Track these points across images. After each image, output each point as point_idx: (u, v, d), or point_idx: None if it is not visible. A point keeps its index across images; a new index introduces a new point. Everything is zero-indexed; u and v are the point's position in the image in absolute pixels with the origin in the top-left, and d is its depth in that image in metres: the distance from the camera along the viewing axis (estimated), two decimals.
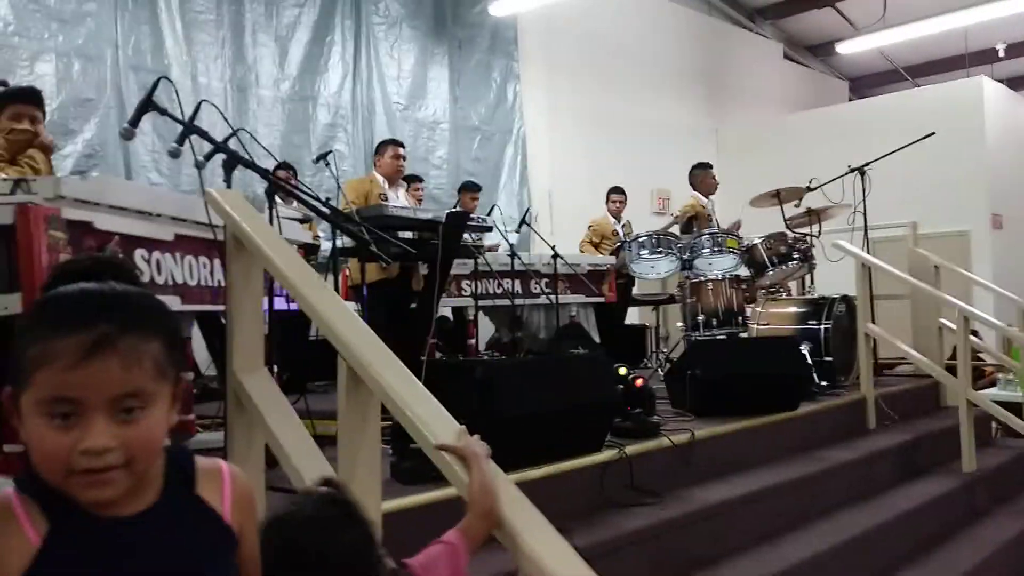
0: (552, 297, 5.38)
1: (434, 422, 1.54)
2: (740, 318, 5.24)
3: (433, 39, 7.75)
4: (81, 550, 0.85)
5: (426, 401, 1.61)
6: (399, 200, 5.23)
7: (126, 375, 0.84)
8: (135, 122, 2.57)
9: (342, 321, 1.75)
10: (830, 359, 4.77)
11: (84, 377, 0.82)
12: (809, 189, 5.54)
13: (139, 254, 2.46)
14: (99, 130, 5.52)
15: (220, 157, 2.55)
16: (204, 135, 2.59)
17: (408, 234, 4.18)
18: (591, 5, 8.74)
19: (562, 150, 8.76)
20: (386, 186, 5.16)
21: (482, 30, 8.15)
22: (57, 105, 5.29)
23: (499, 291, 5.27)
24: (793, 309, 5.17)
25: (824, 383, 4.63)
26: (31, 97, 3.21)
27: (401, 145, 5.33)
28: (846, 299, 5.00)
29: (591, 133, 9.05)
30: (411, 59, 7.58)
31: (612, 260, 6.20)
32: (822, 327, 4.84)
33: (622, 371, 3.48)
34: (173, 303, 2.59)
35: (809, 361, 4.63)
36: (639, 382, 3.46)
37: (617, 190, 7.03)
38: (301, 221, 3.65)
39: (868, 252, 5.02)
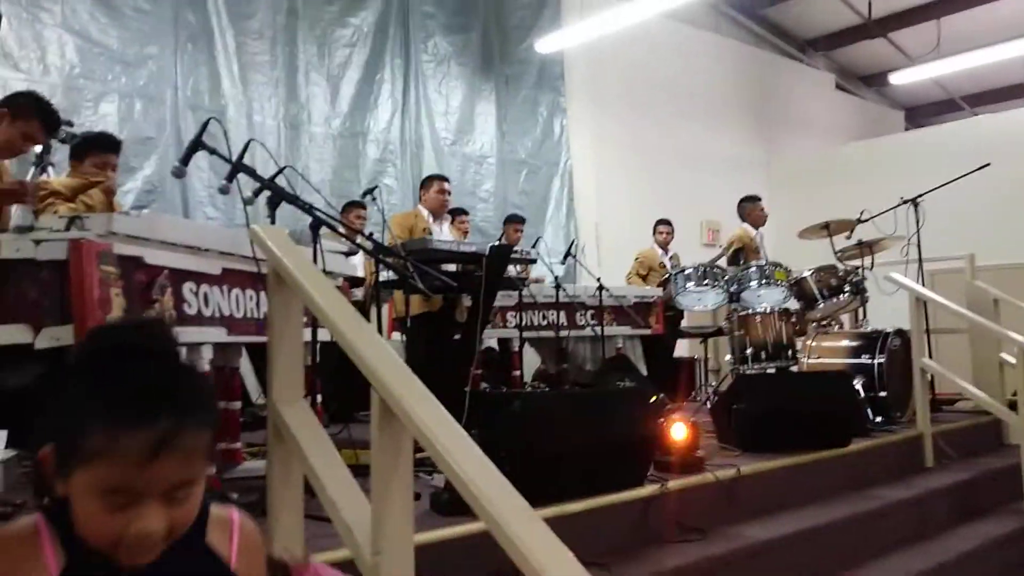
0: (598, 329, 5.35)
1: (462, 456, 1.54)
2: (790, 352, 5.14)
3: (481, 76, 7.88)
4: None
5: (457, 437, 1.61)
6: (443, 234, 5.30)
7: (185, 470, 0.90)
8: (186, 161, 2.68)
9: (375, 354, 1.77)
10: (884, 394, 4.63)
11: (147, 474, 0.87)
12: (860, 221, 5.44)
13: (187, 287, 2.54)
14: (158, 167, 5.73)
15: (267, 194, 2.63)
16: (251, 173, 2.68)
17: (451, 267, 4.22)
18: (637, 40, 8.79)
19: (609, 183, 8.78)
20: (431, 220, 5.23)
21: (529, 66, 8.26)
22: (117, 145, 5.51)
23: (544, 323, 5.27)
24: (845, 343, 5.05)
25: (878, 419, 4.49)
26: (115, 146, 3.38)
27: (446, 180, 5.42)
28: (901, 333, 4.86)
29: (639, 165, 9.05)
30: (459, 95, 7.71)
31: (659, 292, 6.15)
32: (876, 362, 4.72)
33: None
34: (220, 335, 2.66)
35: (862, 396, 4.51)
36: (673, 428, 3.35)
37: (664, 221, 7.00)
38: (346, 255, 3.72)
39: (923, 285, 4.89)
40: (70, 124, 4.20)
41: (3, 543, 0.90)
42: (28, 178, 4.10)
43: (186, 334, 2.51)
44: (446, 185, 5.36)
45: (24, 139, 2.99)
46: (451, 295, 4.43)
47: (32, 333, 2.10)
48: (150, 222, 2.46)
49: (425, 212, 5.28)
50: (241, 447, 3.14)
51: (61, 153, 4.15)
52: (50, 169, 4.07)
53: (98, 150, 3.35)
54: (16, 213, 2.84)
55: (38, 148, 4.07)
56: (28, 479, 3.30)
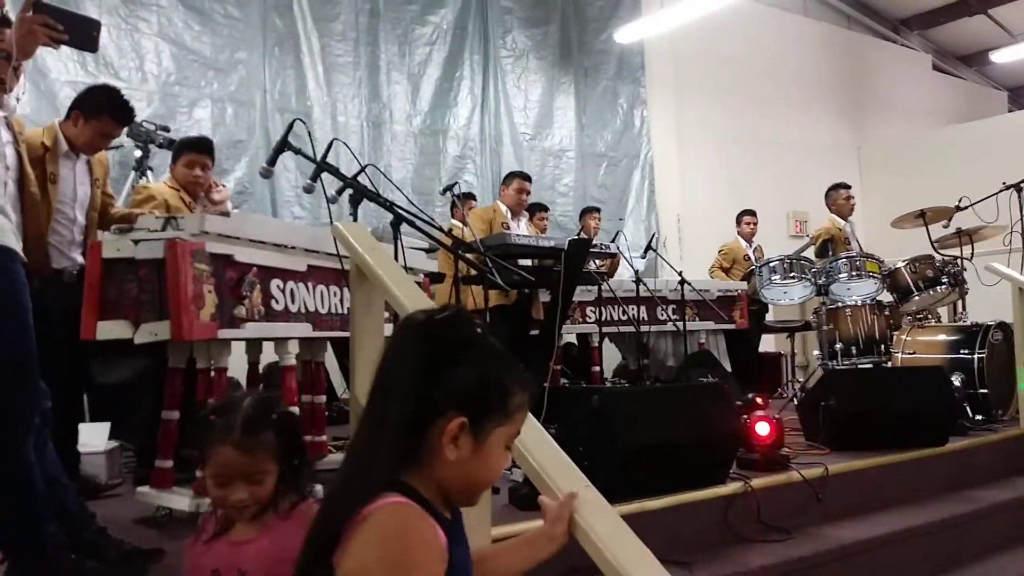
0: (679, 324, 5.28)
1: (537, 450, 1.54)
2: (883, 346, 4.95)
3: (559, 69, 7.86)
4: (453, 542, 1.09)
5: (535, 432, 1.61)
6: (520, 229, 5.33)
7: None
8: (272, 162, 2.76)
9: None
10: (985, 391, 4.40)
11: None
12: (959, 208, 5.19)
13: (275, 284, 2.62)
14: (249, 169, 5.93)
15: (350, 192, 2.69)
16: (334, 172, 2.74)
17: (527, 262, 4.24)
18: (721, 26, 8.60)
19: (691, 174, 8.62)
20: (508, 215, 5.27)
21: (608, 57, 8.18)
22: (209, 148, 5.74)
23: (624, 318, 5.22)
24: (943, 337, 4.82)
25: (978, 417, 4.28)
26: (205, 147, 3.52)
27: (528, 180, 5.47)
28: (1003, 326, 4.61)
29: (722, 155, 8.85)
30: (538, 89, 7.71)
31: (743, 286, 6.01)
32: (976, 356, 4.49)
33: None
34: (305, 330, 2.75)
35: (961, 393, 4.30)
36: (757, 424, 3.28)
37: (749, 212, 6.83)
38: (427, 251, 3.78)
39: None
40: (167, 129, 4.41)
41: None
42: (128, 183, 4.33)
43: (273, 329, 2.60)
44: (527, 185, 5.41)
45: (101, 137, 3.05)
46: (528, 291, 4.44)
47: (132, 329, 2.21)
48: (239, 222, 2.56)
49: (504, 207, 5.32)
50: (327, 440, 3.23)
51: (158, 158, 4.37)
52: (149, 173, 4.28)
53: (188, 151, 3.50)
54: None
55: (138, 153, 4.29)
56: (129, 468, 3.49)
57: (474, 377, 1.10)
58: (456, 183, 4.96)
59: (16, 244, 1.99)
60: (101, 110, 3.00)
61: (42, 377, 2.02)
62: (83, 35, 2.04)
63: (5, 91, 2.08)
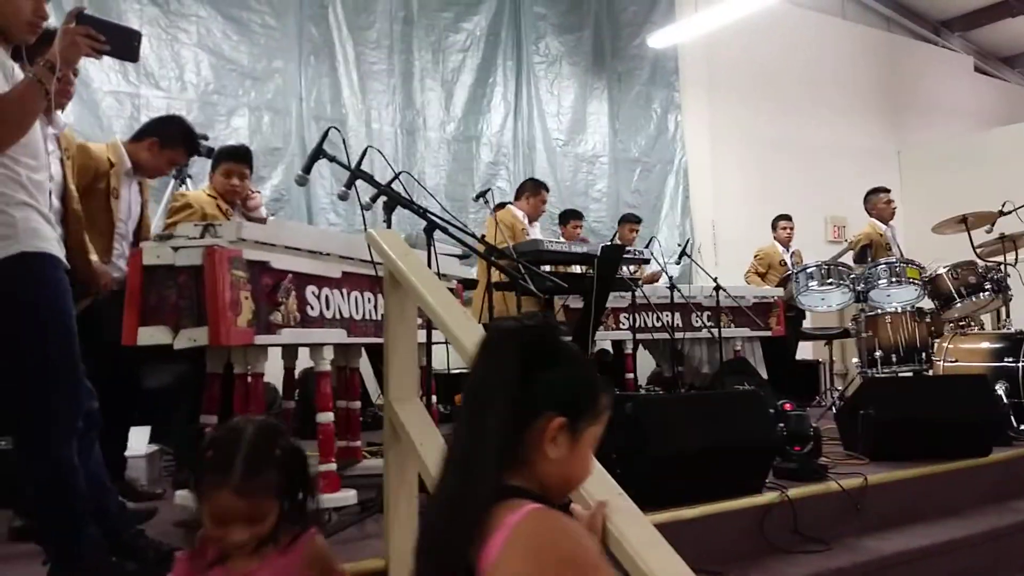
0: (715, 331, 5.22)
1: None
2: (924, 354, 4.86)
3: (593, 74, 7.84)
4: None
5: None
6: (536, 233, 5.52)
7: None
8: (307, 169, 2.80)
9: None
10: None
11: None
12: (1002, 213, 5.08)
13: (310, 290, 2.65)
14: (285, 176, 6.00)
15: (384, 199, 2.72)
16: (369, 179, 2.77)
17: (546, 268, 4.34)
18: (756, 30, 8.51)
19: (726, 179, 8.54)
20: (526, 221, 5.43)
21: (642, 62, 8.14)
22: (248, 157, 5.83)
23: (658, 324, 5.19)
24: (986, 345, 4.72)
25: (1022, 427, 4.17)
26: (242, 156, 3.60)
27: (548, 190, 5.77)
28: None
29: (758, 160, 8.76)
30: (571, 95, 7.70)
31: (779, 292, 5.94)
32: (1020, 365, 4.38)
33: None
34: (340, 336, 2.77)
35: (1004, 402, 4.20)
36: (787, 406, 3.28)
37: (785, 217, 6.75)
38: (460, 258, 3.79)
39: None
40: (205, 138, 4.47)
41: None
42: (168, 190, 4.41)
43: (308, 335, 2.63)
44: (547, 195, 5.74)
45: (169, 165, 3.26)
46: (550, 296, 4.45)
47: (172, 334, 2.25)
48: (276, 228, 2.59)
49: (520, 214, 5.41)
50: (361, 445, 3.26)
51: (197, 165, 4.44)
52: (188, 181, 4.35)
53: (227, 160, 3.57)
54: None
55: None
56: (168, 472, 3.55)
57: (568, 379, 1.16)
58: (489, 189, 4.98)
59: (59, 252, 2.04)
60: (178, 142, 3.19)
61: (93, 381, 2.07)
62: (124, 45, 2.09)
63: (54, 108, 2.15)
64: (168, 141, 3.16)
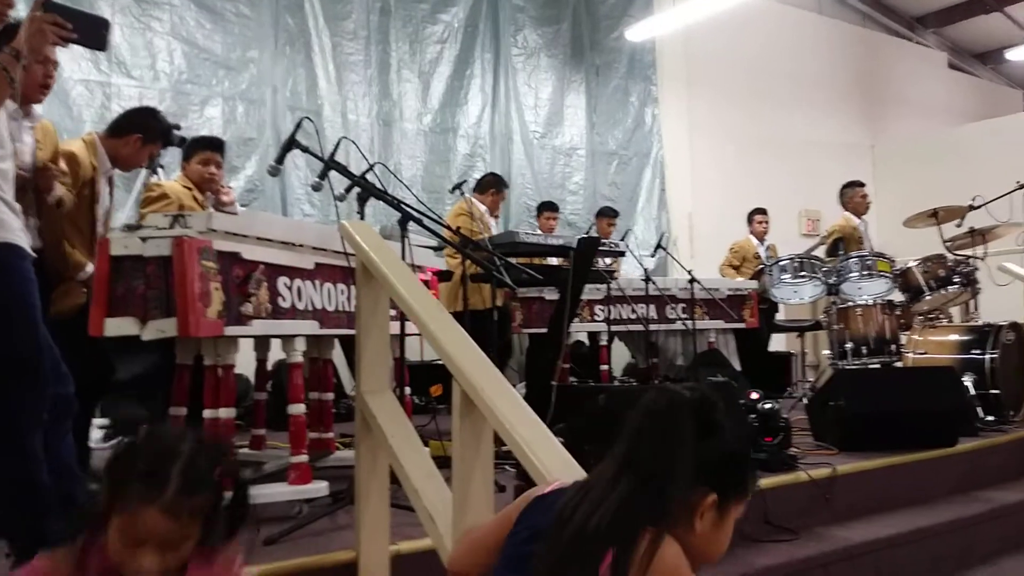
0: (689, 323, 5.26)
1: (541, 448, 1.54)
2: (894, 346, 4.93)
3: (571, 67, 7.84)
4: None
5: (534, 427, 1.62)
6: (494, 226, 5.72)
7: None
8: (280, 160, 2.78)
9: (457, 347, 1.80)
10: (997, 392, 4.37)
11: None
12: (972, 208, 5.15)
13: (282, 281, 2.63)
14: (259, 167, 5.95)
15: (359, 190, 2.71)
16: (342, 170, 2.76)
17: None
18: (733, 24, 8.55)
19: (703, 172, 8.59)
20: (484, 210, 5.59)
21: (620, 55, 8.16)
22: (222, 147, 5.77)
23: (633, 316, 5.21)
24: (954, 337, 4.79)
25: (990, 418, 4.25)
26: (218, 146, 3.57)
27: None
28: (1015, 327, 4.58)
29: (734, 154, 8.81)
30: (548, 87, 7.70)
31: (753, 285, 5.99)
32: (987, 357, 4.46)
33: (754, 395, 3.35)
34: (312, 327, 2.76)
35: (972, 394, 4.28)
36: (753, 395, 3.32)
37: (760, 211, 6.81)
38: (435, 249, 3.79)
39: None
40: (178, 128, 4.42)
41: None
42: (139, 180, 4.37)
43: (280, 327, 2.62)
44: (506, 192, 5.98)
45: (147, 159, 3.19)
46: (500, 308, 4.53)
47: (139, 325, 2.23)
48: (247, 219, 2.57)
49: (482, 207, 5.55)
50: (334, 437, 3.25)
51: (169, 155, 4.38)
52: (160, 171, 4.30)
53: (204, 148, 3.54)
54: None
55: None
56: None
57: (728, 458, 1.18)
58: (466, 181, 4.99)
59: (23, 242, 2.01)
60: (159, 137, 3.13)
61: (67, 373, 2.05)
62: (92, 34, 2.06)
63: (33, 100, 2.12)
64: (151, 137, 3.09)
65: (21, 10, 2.21)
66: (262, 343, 3.17)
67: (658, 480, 1.13)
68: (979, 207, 5.12)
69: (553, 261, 5.14)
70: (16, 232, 1.99)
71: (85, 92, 5.33)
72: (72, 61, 5.24)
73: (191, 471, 1.16)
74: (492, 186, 5.78)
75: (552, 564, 1.14)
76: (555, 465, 1.52)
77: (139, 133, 3.05)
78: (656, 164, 8.30)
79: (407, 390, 3.30)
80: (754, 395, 3.34)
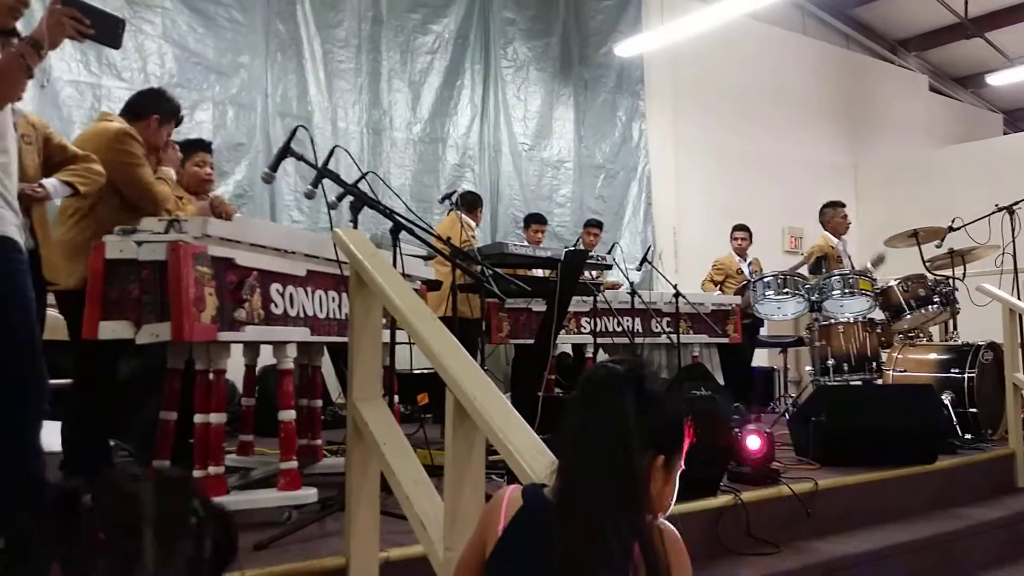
0: (673, 337, 5.31)
1: (533, 457, 1.57)
2: (874, 364, 4.99)
3: (560, 80, 7.91)
4: None
5: (526, 435, 1.64)
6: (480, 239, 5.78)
7: None
8: (275, 167, 2.80)
9: (450, 356, 1.82)
10: (975, 410, 4.45)
11: None
12: (952, 229, 5.24)
13: (275, 288, 2.65)
14: (249, 172, 5.95)
15: (351, 198, 2.73)
16: (335, 178, 2.78)
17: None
18: (720, 42, 8.66)
19: (688, 188, 8.67)
20: (473, 224, 5.61)
21: (608, 70, 8.23)
22: (213, 149, 5.76)
23: (619, 329, 5.25)
24: (934, 356, 4.87)
25: (967, 436, 4.32)
26: (207, 147, 3.63)
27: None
28: (993, 346, 4.66)
29: (719, 170, 8.91)
30: (537, 100, 7.75)
31: (737, 300, 6.05)
32: (966, 376, 4.53)
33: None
34: (304, 334, 2.77)
35: (950, 412, 4.35)
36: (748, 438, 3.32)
37: (740, 227, 6.88)
38: (424, 259, 3.81)
39: (1018, 296, 4.68)
40: None
41: None
42: None
43: (272, 333, 2.63)
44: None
45: (165, 141, 3.15)
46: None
47: (134, 329, 2.23)
48: (242, 225, 2.58)
49: (469, 219, 5.54)
50: (322, 444, 3.25)
51: None
52: None
53: (200, 150, 3.55)
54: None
55: None
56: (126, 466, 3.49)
57: (667, 420, 1.27)
58: (455, 191, 5.01)
59: (19, 236, 2.02)
60: (172, 115, 3.12)
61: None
62: (108, 31, 2.08)
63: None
64: (166, 117, 3.08)
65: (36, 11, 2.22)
66: (251, 349, 3.18)
67: (627, 459, 1.20)
68: (958, 228, 5.21)
69: (540, 273, 5.17)
70: (11, 227, 2.00)
71: (75, 93, 5.31)
72: (61, 62, 5.22)
73: (163, 528, 0.99)
74: (478, 205, 5.87)
75: None
76: (547, 473, 1.54)
77: (155, 114, 3.03)
78: (643, 178, 8.37)
79: (395, 399, 3.31)
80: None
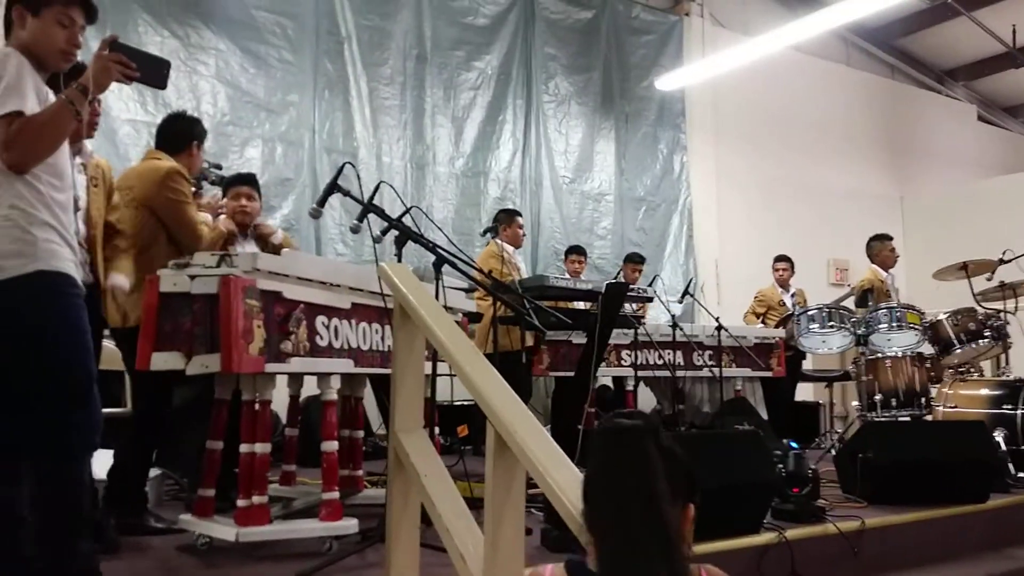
0: (715, 370, 5.26)
1: (573, 491, 1.57)
2: (924, 399, 4.89)
3: (601, 114, 7.98)
4: None
5: (567, 469, 1.65)
6: (519, 261, 5.66)
7: None
8: (322, 203, 2.88)
9: (491, 388, 1.85)
10: None
11: None
12: (1003, 262, 5.14)
13: (320, 320, 2.71)
14: (295, 206, 6.11)
15: (395, 232, 2.79)
16: (380, 213, 2.84)
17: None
18: (762, 74, 8.66)
19: (730, 220, 8.63)
20: (513, 252, 5.52)
21: (649, 104, 8.29)
22: (261, 184, 5.92)
23: (660, 362, 5.23)
24: (985, 391, 4.75)
25: (1020, 474, 4.18)
26: (246, 180, 3.68)
27: (520, 215, 5.85)
28: None
29: (762, 202, 8.86)
30: (579, 134, 7.83)
31: (780, 333, 5.98)
32: (1019, 412, 4.41)
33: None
34: (348, 366, 2.82)
35: (1003, 449, 4.22)
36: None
37: (782, 258, 6.80)
38: (466, 291, 3.86)
39: None
40: (219, 167, 4.57)
41: None
42: None
43: (317, 364, 2.68)
44: (521, 220, 5.79)
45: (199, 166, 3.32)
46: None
47: (184, 360, 2.30)
48: (289, 260, 2.65)
49: (509, 247, 5.49)
50: (362, 475, 3.29)
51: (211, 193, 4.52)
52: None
53: (231, 185, 3.62)
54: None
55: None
56: (170, 497, 3.57)
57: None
58: (497, 224, 5.06)
59: (76, 273, 2.11)
60: (203, 136, 3.29)
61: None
62: (154, 73, 2.18)
63: (83, 136, 2.23)
64: (201, 139, 3.27)
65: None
66: (295, 379, 3.25)
67: (655, 519, 1.20)
68: (1009, 261, 5.11)
69: (581, 305, 5.18)
70: (68, 263, 2.07)
71: (132, 131, 5.52)
72: (119, 101, 5.44)
73: None
74: (503, 222, 5.70)
75: None
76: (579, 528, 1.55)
77: (194, 140, 3.20)
78: (684, 211, 8.37)
79: (436, 430, 3.34)
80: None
